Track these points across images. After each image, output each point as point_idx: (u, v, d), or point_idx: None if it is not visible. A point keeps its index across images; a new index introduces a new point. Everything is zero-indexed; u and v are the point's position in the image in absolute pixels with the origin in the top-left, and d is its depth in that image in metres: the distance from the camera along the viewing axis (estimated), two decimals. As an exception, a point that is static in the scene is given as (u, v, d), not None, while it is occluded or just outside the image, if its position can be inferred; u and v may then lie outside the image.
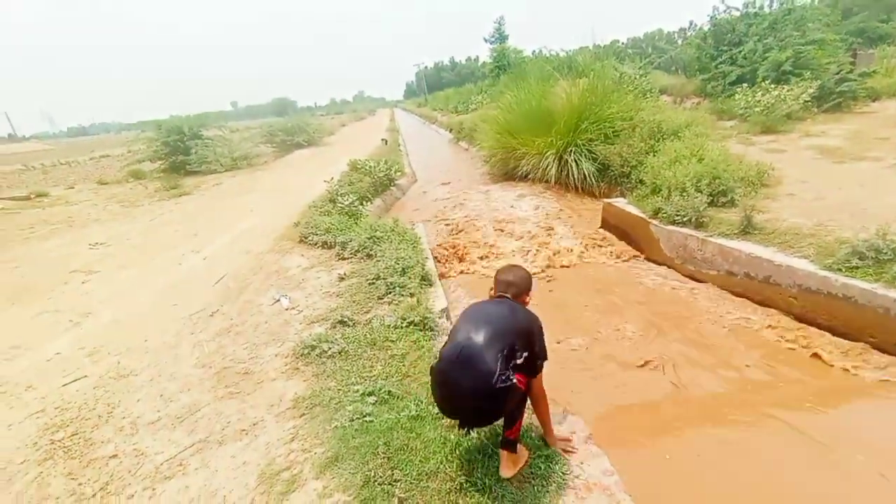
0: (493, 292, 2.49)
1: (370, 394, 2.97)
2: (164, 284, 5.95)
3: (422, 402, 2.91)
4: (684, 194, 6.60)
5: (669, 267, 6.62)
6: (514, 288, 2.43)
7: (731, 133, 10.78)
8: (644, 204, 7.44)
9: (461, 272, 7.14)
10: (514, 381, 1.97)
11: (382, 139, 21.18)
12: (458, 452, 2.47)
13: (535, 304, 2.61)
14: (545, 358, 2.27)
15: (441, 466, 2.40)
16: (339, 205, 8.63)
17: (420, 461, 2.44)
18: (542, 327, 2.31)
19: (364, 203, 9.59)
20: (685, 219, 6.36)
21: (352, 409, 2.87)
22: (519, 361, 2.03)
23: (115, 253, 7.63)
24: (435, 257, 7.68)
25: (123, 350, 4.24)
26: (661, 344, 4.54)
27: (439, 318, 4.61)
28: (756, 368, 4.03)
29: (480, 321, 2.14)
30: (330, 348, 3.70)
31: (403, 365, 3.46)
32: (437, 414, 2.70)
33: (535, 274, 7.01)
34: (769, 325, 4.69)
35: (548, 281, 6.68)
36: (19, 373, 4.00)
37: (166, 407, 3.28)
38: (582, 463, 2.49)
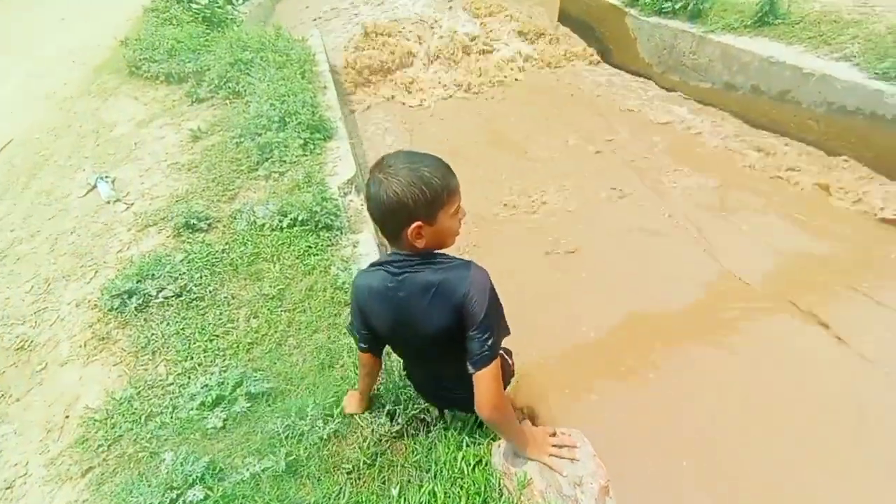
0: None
1: (216, 402, 1.57)
2: None
3: (328, 402, 1.55)
4: (681, -34, 4.42)
5: (645, 77, 4.93)
6: (395, 224, 1.00)
7: None
8: (619, -16, 5.18)
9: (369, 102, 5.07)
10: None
11: None
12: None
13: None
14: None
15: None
16: (195, 4, 5.50)
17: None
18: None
19: (236, 1, 6.32)
20: (678, 6, 4.38)
21: (177, 459, 1.36)
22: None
23: None
24: (341, 84, 5.40)
25: None
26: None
27: (344, 195, 2.95)
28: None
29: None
30: (161, 291, 2.10)
31: (282, 314, 1.99)
32: (369, 426, 1.43)
33: (466, 92, 5.09)
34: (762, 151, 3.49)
35: (482, 96, 4.84)
36: None
37: None
38: None
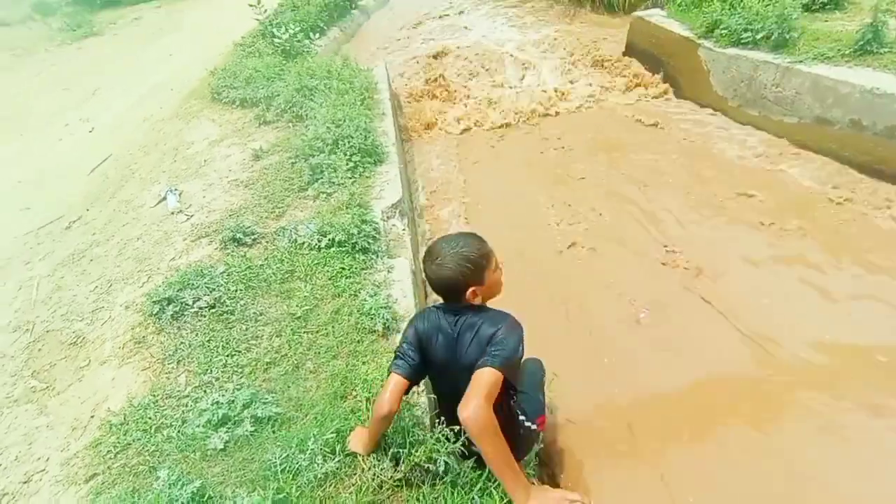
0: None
1: (222, 421, 1.53)
2: (23, 174, 4.11)
3: (334, 437, 1.41)
4: (765, -6, 4.09)
5: (717, 110, 4.55)
6: (454, 287, 1.29)
7: None
8: (691, 17, 4.90)
9: (427, 131, 5.13)
10: None
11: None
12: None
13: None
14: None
15: None
16: (277, 39, 6.03)
17: None
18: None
19: (312, 35, 6.87)
20: (759, 36, 4.02)
21: (169, 479, 1.29)
22: None
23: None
24: (401, 111, 5.57)
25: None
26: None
27: (388, 218, 2.93)
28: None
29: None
30: (196, 301, 2.15)
31: (305, 335, 1.95)
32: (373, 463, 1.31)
33: (520, 120, 4.99)
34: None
35: (536, 128, 4.69)
36: None
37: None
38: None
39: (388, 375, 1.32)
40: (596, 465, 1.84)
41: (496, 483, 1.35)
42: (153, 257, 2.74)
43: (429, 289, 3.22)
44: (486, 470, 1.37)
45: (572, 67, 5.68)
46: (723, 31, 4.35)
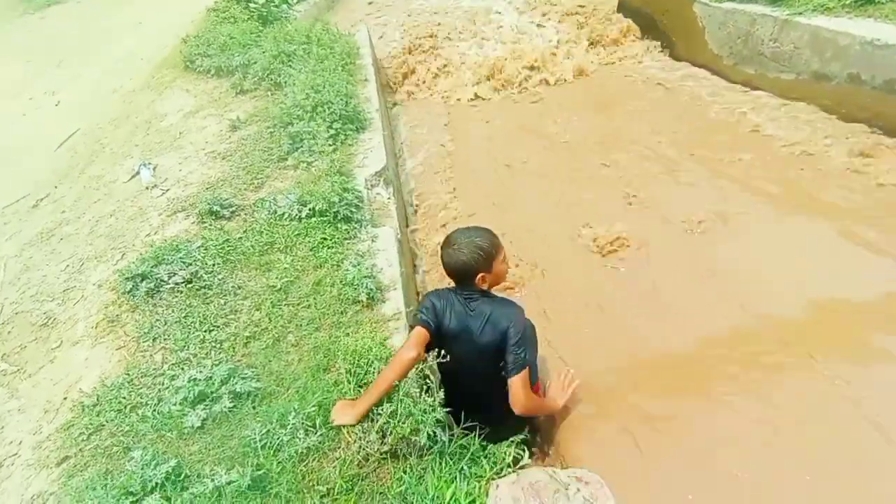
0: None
1: (200, 398, 1.45)
2: (-12, 152, 3.90)
3: (315, 411, 1.37)
4: (764, -59, 3.87)
5: (712, 72, 4.39)
6: (468, 272, 1.49)
7: None
8: (687, -31, 4.66)
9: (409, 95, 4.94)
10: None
11: None
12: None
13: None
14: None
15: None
16: (253, 4, 5.67)
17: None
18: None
19: (291, 0, 6.48)
20: (757, -13, 3.83)
21: (143, 459, 1.24)
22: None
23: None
24: (386, 77, 5.33)
25: None
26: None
27: (371, 187, 2.80)
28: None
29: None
30: (172, 276, 2.05)
31: (286, 308, 1.85)
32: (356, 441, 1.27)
33: (511, 91, 4.81)
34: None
35: (532, 102, 4.52)
36: None
37: None
38: None
39: (410, 331, 1.48)
40: (586, 426, 1.81)
41: (486, 452, 1.31)
42: (127, 234, 2.60)
43: (417, 261, 3.16)
44: (475, 441, 1.33)
45: (563, 28, 5.43)
46: (719, -16, 4.15)
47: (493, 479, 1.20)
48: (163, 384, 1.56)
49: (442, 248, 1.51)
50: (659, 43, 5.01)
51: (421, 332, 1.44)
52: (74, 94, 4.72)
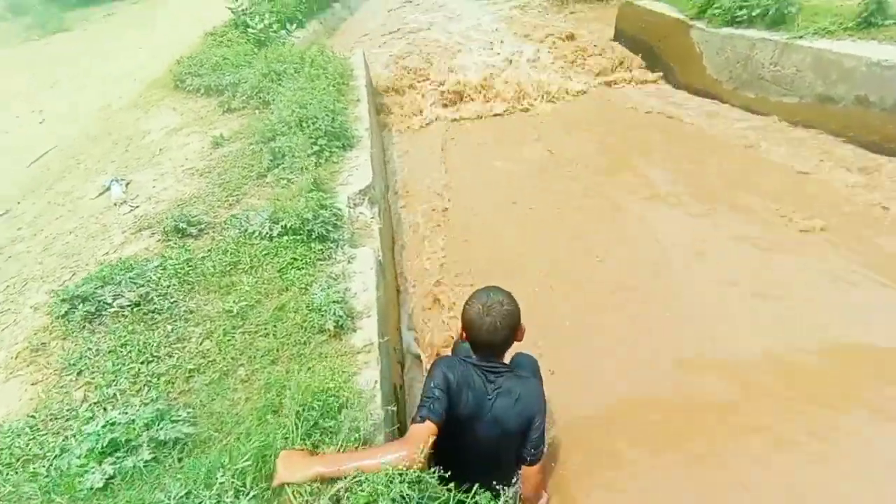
0: (463, 336, 1.40)
1: (111, 448, 1.17)
2: (-40, 167, 3.72)
3: (246, 465, 1.08)
4: (760, -32, 3.85)
5: (712, 97, 4.30)
6: (503, 344, 1.37)
7: None
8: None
9: (408, 120, 4.82)
10: None
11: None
12: None
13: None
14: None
15: None
16: (251, 29, 5.68)
17: None
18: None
19: (290, 26, 6.52)
20: (754, 13, 3.78)
21: None
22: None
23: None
24: (381, 98, 5.26)
25: None
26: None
27: (354, 206, 2.60)
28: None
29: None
30: (117, 299, 1.80)
31: (240, 336, 1.60)
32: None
33: (504, 110, 4.70)
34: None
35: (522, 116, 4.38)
36: None
37: None
38: None
39: (421, 421, 1.16)
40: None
41: None
42: (83, 252, 2.37)
43: (389, 276, 2.92)
44: None
45: (560, 56, 5.42)
46: (716, 11, 4.13)
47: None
48: (72, 429, 1.29)
49: (471, 315, 1.32)
50: (657, 70, 4.97)
51: (430, 430, 1.14)
52: (61, 112, 4.61)
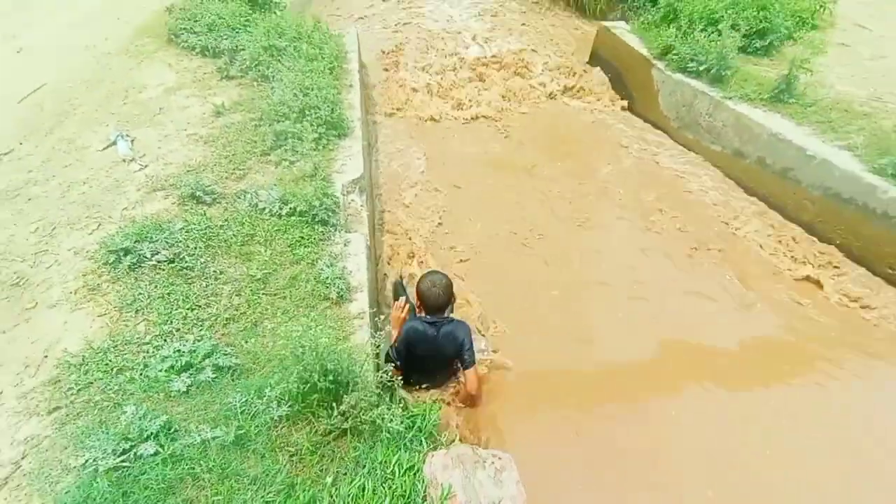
0: (419, 310, 2.27)
1: (184, 367, 1.69)
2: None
3: (288, 386, 1.64)
4: (711, 30, 4.58)
5: (661, 130, 5.07)
6: (444, 305, 2.22)
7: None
8: (650, 37, 5.32)
9: (395, 111, 5.23)
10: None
11: None
12: None
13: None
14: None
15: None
16: (243, -17, 5.70)
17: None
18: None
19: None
20: (701, 68, 4.52)
21: (137, 413, 1.49)
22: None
23: None
24: (369, 86, 5.59)
25: None
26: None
27: (347, 193, 3.09)
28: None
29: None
30: (155, 254, 2.23)
31: (263, 297, 2.12)
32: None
33: (485, 117, 5.26)
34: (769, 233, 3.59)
35: (503, 135, 4.98)
36: None
37: None
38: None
39: (388, 363, 2.09)
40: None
41: (420, 439, 1.65)
42: (103, 204, 2.71)
43: (380, 264, 3.47)
44: (414, 427, 1.67)
45: (536, 65, 5.96)
46: (674, 56, 4.82)
47: (431, 453, 1.56)
48: (147, 352, 1.78)
49: (423, 289, 2.15)
50: (623, 96, 5.65)
51: (397, 371, 2.04)
52: (39, 43, 4.57)
